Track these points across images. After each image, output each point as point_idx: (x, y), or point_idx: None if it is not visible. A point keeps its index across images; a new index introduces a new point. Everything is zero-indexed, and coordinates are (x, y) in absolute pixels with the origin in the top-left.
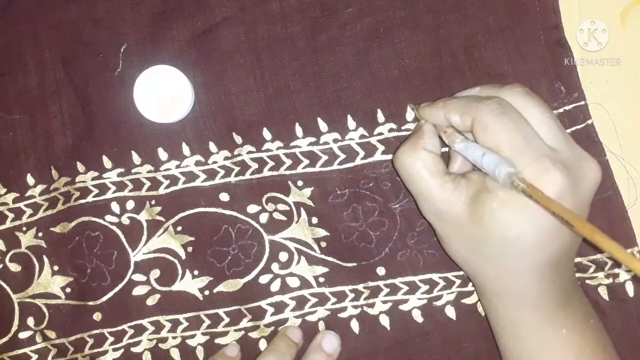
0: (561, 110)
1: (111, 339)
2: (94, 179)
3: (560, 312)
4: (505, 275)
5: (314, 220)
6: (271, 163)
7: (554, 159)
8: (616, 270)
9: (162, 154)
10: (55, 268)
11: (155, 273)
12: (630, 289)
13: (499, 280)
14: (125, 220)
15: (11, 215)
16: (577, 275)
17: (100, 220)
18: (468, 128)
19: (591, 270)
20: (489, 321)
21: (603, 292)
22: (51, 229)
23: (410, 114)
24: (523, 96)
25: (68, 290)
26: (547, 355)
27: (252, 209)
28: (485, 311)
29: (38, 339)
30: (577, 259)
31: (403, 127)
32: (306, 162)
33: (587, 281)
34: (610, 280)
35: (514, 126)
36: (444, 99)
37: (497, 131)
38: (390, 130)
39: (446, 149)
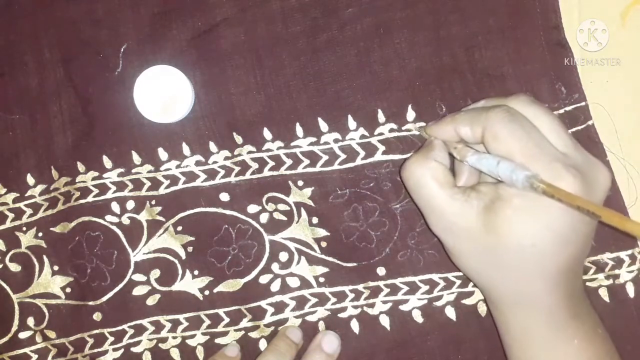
0: (562, 111)
1: (111, 339)
2: (94, 179)
3: (571, 322)
4: (519, 285)
5: (315, 220)
6: (271, 163)
7: (566, 164)
8: (616, 272)
9: (163, 154)
10: (55, 268)
11: (155, 273)
12: (630, 289)
13: (513, 290)
14: (125, 220)
15: (11, 215)
16: None
17: (101, 220)
18: (478, 139)
19: (591, 272)
20: (499, 333)
21: (603, 294)
22: (51, 229)
23: (411, 114)
24: (530, 104)
25: (68, 290)
26: None
27: (253, 209)
28: (497, 323)
29: (38, 339)
30: None
31: (403, 127)
32: (307, 162)
33: (588, 283)
34: (611, 281)
35: (524, 133)
36: (451, 115)
37: (508, 139)
38: (391, 130)
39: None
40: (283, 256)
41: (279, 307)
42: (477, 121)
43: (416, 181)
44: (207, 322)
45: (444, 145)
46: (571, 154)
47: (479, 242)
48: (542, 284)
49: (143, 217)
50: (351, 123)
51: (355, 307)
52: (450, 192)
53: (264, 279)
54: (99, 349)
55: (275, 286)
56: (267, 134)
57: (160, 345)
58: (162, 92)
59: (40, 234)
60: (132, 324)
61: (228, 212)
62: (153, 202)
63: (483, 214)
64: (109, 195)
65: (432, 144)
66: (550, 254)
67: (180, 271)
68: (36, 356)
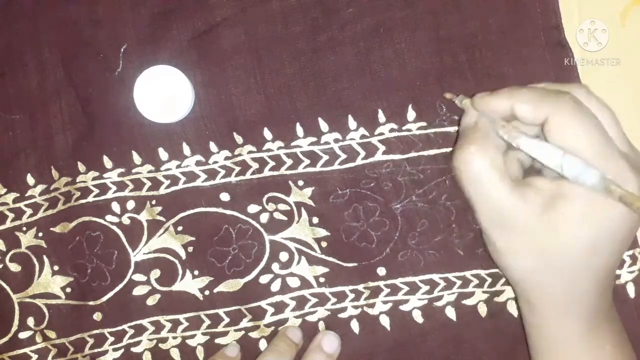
0: None
1: (111, 339)
2: (94, 178)
3: (606, 326)
4: (568, 287)
5: (315, 220)
6: (272, 163)
7: (630, 164)
8: (617, 272)
9: (163, 154)
10: (56, 268)
11: (155, 273)
12: (631, 290)
13: (560, 292)
14: (125, 220)
15: (11, 215)
16: None
17: (101, 220)
18: (538, 122)
19: None
20: (530, 337)
21: None
22: (51, 229)
23: (411, 114)
24: (591, 97)
25: (68, 290)
26: None
27: (253, 208)
28: (530, 326)
29: (38, 339)
30: None
31: (404, 127)
32: (307, 162)
33: None
34: None
35: (593, 127)
36: (510, 88)
37: (579, 131)
38: (391, 130)
39: None
40: (283, 256)
41: (279, 307)
42: (542, 103)
43: (476, 172)
44: (207, 322)
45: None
46: (630, 153)
47: (535, 240)
48: (590, 286)
49: (143, 217)
50: (351, 123)
51: (356, 307)
52: (510, 185)
53: (264, 279)
54: (99, 349)
55: (276, 286)
56: (267, 133)
57: (160, 345)
58: (162, 92)
59: (40, 234)
60: (132, 324)
61: (228, 212)
62: (153, 202)
63: (544, 212)
64: (110, 195)
65: (484, 127)
66: (606, 256)
67: (180, 271)
68: (36, 356)
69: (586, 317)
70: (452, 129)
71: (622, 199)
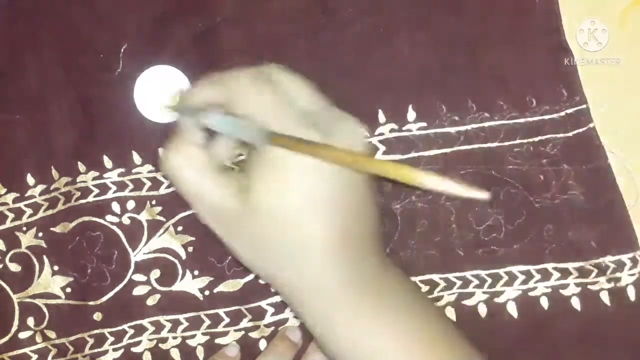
0: (563, 113)
1: (111, 339)
2: (94, 178)
3: (370, 300)
4: (297, 264)
5: None
6: None
7: (308, 121)
8: (618, 275)
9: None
10: (56, 268)
11: (155, 273)
12: (632, 293)
13: (294, 274)
14: (125, 220)
15: (11, 215)
16: (578, 280)
17: (101, 220)
18: (223, 102)
19: (593, 275)
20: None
21: (605, 297)
22: (51, 228)
23: (411, 114)
24: (278, 71)
25: (68, 290)
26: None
27: None
28: (299, 318)
29: (38, 339)
30: (579, 263)
31: (404, 128)
32: None
33: (589, 286)
34: (612, 284)
35: (267, 96)
36: (200, 81)
37: (249, 101)
38: (392, 130)
39: None
40: None
41: (279, 308)
42: (221, 83)
43: (175, 174)
44: (207, 322)
45: (194, 122)
46: (317, 112)
47: (246, 228)
48: (322, 261)
49: (143, 217)
50: None
51: None
52: (212, 177)
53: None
54: (99, 349)
55: None
56: None
57: (160, 345)
58: (162, 92)
59: (40, 234)
60: (132, 324)
61: None
62: (153, 202)
63: (242, 194)
64: (110, 195)
65: (179, 125)
66: (321, 219)
67: (180, 271)
68: (36, 356)
69: (338, 297)
70: (453, 129)
71: (278, 143)
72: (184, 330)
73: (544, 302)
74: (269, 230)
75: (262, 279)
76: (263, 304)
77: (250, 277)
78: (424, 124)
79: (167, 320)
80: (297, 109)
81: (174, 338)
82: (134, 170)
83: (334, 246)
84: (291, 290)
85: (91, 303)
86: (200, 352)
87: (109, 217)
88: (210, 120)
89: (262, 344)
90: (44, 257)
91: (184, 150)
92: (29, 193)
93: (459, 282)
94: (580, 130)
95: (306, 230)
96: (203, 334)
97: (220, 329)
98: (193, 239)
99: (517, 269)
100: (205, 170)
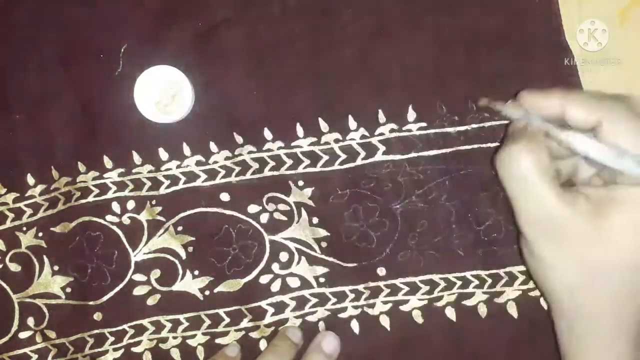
0: None
1: (111, 338)
2: (94, 178)
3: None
4: (616, 310)
5: (315, 220)
6: (272, 163)
7: None
8: None
9: (163, 154)
10: (56, 268)
11: (155, 273)
12: None
13: (609, 316)
14: (125, 220)
15: (11, 215)
16: None
17: (101, 220)
18: (588, 127)
19: None
20: (567, 358)
21: None
22: (51, 228)
23: (412, 115)
24: None
25: (68, 290)
26: None
27: (253, 209)
28: (570, 345)
29: (38, 339)
30: None
31: (404, 128)
32: (307, 162)
33: None
34: None
35: None
36: (560, 90)
37: (633, 134)
38: (392, 130)
39: None
40: (283, 256)
41: (279, 307)
42: (596, 106)
43: (521, 173)
44: (208, 322)
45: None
46: None
47: (582, 251)
48: (635, 306)
49: (143, 217)
50: (351, 123)
51: (356, 307)
52: (558, 190)
53: (264, 279)
54: (99, 349)
55: (276, 286)
56: (267, 134)
57: (160, 345)
58: (162, 92)
59: (40, 234)
60: (132, 324)
61: (228, 212)
62: (153, 202)
63: (593, 220)
64: (110, 195)
65: (531, 128)
66: None
67: (180, 271)
68: (36, 356)
69: (635, 340)
70: (453, 129)
71: None
72: (184, 330)
73: (544, 303)
74: (610, 262)
75: (561, 304)
76: (263, 304)
77: (251, 277)
78: (424, 124)
79: (167, 320)
80: None
81: (174, 338)
82: (134, 170)
83: None
84: (592, 322)
85: (91, 303)
86: (200, 352)
87: (109, 217)
88: (578, 140)
89: (263, 344)
90: (44, 257)
91: (539, 153)
92: (29, 193)
93: (459, 282)
94: None
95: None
96: (203, 334)
97: (220, 329)
98: (193, 239)
99: (517, 269)
100: (553, 181)
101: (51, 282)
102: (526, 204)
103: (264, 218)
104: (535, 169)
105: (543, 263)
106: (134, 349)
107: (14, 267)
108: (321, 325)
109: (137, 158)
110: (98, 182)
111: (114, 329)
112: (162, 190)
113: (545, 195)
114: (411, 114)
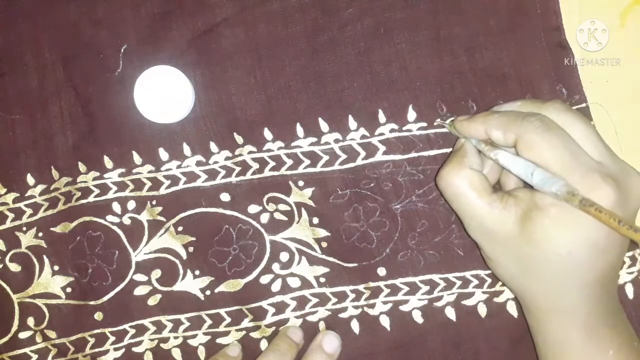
0: None
1: (112, 338)
2: (95, 179)
3: (607, 331)
4: (554, 293)
5: (315, 220)
6: (272, 163)
7: (602, 173)
8: None
9: (163, 154)
10: (56, 268)
11: (156, 273)
12: (630, 291)
13: (548, 298)
14: (126, 220)
15: (11, 215)
16: None
17: (102, 220)
18: (510, 144)
19: None
20: (534, 341)
21: None
22: (52, 229)
23: (412, 115)
24: (565, 112)
25: (68, 290)
26: None
27: (253, 209)
28: (532, 330)
29: (38, 339)
30: None
31: (404, 128)
32: (307, 162)
33: None
34: None
35: (560, 143)
36: (484, 114)
37: (543, 149)
38: (392, 130)
39: None
40: (284, 256)
41: (280, 307)
42: (510, 128)
43: (454, 190)
44: (209, 322)
45: (476, 149)
46: (606, 163)
47: (516, 250)
48: (578, 293)
49: (144, 217)
50: (352, 123)
51: (356, 307)
52: (488, 200)
53: (264, 279)
54: (100, 349)
55: (276, 286)
56: (267, 134)
57: (161, 345)
58: (162, 92)
59: (40, 234)
60: (133, 323)
61: (229, 212)
62: (154, 202)
63: (520, 222)
64: (110, 195)
65: (464, 148)
66: (587, 263)
67: (181, 271)
68: (36, 356)
69: (582, 323)
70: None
71: (581, 205)
72: (185, 330)
73: None
74: (539, 258)
75: (512, 291)
76: (264, 304)
77: (251, 277)
78: (424, 124)
79: (168, 320)
80: (587, 158)
81: (175, 338)
82: (134, 171)
83: (596, 281)
84: (538, 308)
85: (92, 303)
86: (201, 352)
87: (110, 217)
88: (502, 158)
89: (263, 344)
90: (44, 257)
91: (465, 172)
92: (29, 193)
93: (458, 282)
94: None
95: (579, 266)
96: (204, 333)
97: (221, 328)
98: (193, 239)
99: None
100: (484, 193)
101: (51, 282)
102: (465, 215)
103: (265, 218)
104: (466, 185)
105: (493, 262)
106: (135, 349)
107: (14, 267)
108: (321, 325)
109: (137, 158)
110: (98, 182)
111: (114, 329)
112: (163, 191)
113: (477, 205)
114: (411, 114)
